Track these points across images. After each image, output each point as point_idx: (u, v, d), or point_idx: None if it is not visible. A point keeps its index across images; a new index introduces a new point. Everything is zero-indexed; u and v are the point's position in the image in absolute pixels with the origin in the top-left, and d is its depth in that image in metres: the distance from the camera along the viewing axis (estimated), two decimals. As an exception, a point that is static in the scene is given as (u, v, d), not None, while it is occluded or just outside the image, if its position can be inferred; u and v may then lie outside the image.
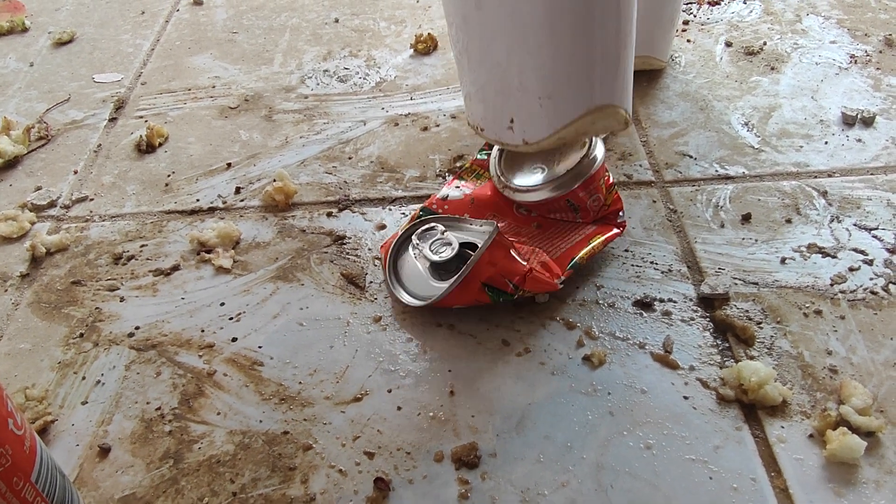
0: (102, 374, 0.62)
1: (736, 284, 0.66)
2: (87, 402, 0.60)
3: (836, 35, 0.99)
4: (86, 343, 0.65)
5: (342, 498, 0.53)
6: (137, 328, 0.66)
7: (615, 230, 0.69)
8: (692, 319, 0.64)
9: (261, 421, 0.58)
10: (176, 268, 0.72)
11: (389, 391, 0.60)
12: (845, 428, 0.54)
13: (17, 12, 1.14)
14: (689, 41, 1.00)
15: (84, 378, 0.62)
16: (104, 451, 0.57)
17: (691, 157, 0.81)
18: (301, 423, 0.58)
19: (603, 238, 0.68)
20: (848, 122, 0.84)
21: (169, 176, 0.83)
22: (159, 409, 0.60)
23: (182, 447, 0.57)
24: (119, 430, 0.58)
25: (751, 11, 1.05)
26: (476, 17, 0.60)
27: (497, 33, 0.60)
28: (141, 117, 0.92)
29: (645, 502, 0.52)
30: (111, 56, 1.05)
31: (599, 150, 0.68)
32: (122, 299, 0.69)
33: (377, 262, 0.71)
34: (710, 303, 0.65)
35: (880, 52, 0.95)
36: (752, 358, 0.60)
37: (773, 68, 0.94)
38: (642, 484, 0.53)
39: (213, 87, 0.97)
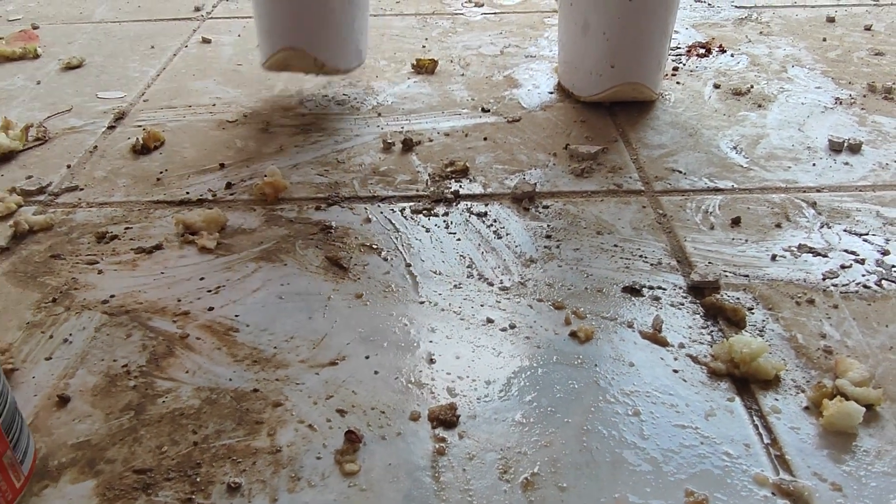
0: (70, 335, 0.60)
1: (726, 276, 0.65)
2: (50, 358, 0.58)
3: (820, 82, 1.02)
4: (58, 307, 0.63)
5: (310, 451, 0.50)
6: (112, 296, 0.64)
7: None
8: (682, 304, 0.62)
9: (230, 379, 0.56)
10: (158, 247, 0.70)
11: (367, 357, 0.57)
12: (842, 398, 0.51)
13: (31, 41, 1.18)
14: (678, 83, 1.03)
15: (51, 337, 0.60)
16: (63, 401, 0.54)
17: (681, 172, 0.81)
18: (273, 383, 0.55)
19: None
20: (835, 148, 0.85)
21: (161, 173, 0.83)
22: (126, 366, 0.57)
23: (145, 400, 0.54)
24: (81, 383, 0.55)
25: (738, 62, 1.09)
26: None
27: None
28: (139, 126, 0.93)
29: (633, 463, 0.48)
30: (117, 79, 1.07)
31: None
32: (100, 272, 0.67)
33: (363, 248, 0.70)
34: (700, 291, 0.64)
35: (864, 96, 0.98)
36: (743, 338, 0.58)
37: (760, 106, 0.96)
38: (629, 447, 0.50)
39: (214, 105, 0.99)
